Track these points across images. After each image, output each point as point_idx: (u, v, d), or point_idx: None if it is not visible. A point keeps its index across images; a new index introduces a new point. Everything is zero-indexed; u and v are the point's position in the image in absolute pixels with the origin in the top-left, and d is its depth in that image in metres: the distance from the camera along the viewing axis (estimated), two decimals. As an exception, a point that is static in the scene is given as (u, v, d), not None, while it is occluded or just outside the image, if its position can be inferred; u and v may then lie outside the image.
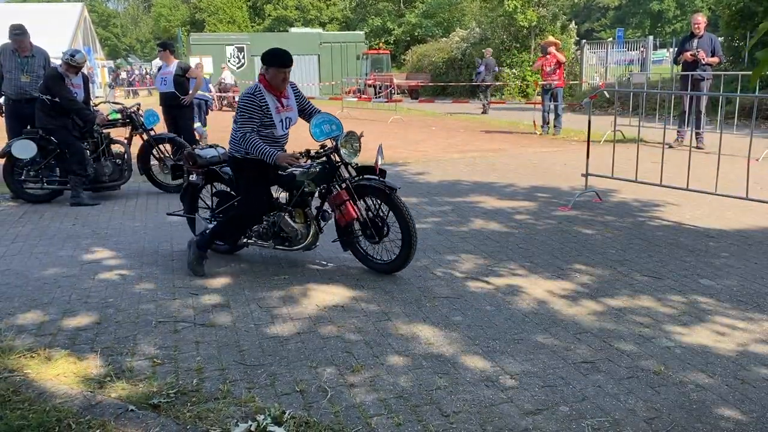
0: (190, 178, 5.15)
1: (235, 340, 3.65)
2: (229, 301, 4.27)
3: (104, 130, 7.64)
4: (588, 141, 7.34)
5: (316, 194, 4.72)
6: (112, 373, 3.24)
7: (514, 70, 25.59)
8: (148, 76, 40.86)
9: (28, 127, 7.42)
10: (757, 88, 11.57)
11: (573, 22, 28.13)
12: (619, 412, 2.85)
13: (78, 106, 7.21)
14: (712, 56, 10.38)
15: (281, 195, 4.90)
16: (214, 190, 5.23)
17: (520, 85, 25.10)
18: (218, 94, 23.40)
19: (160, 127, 8.45)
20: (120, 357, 3.45)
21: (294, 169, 4.53)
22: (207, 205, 5.32)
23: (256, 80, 4.63)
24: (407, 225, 4.46)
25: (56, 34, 21.39)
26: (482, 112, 19.32)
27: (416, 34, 39.28)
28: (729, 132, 10.25)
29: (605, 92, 14.47)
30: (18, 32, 7.65)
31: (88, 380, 3.18)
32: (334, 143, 4.55)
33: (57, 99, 7.04)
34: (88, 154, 7.42)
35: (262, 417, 2.75)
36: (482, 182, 8.31)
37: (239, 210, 4.75)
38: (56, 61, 8.11)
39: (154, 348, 3.56)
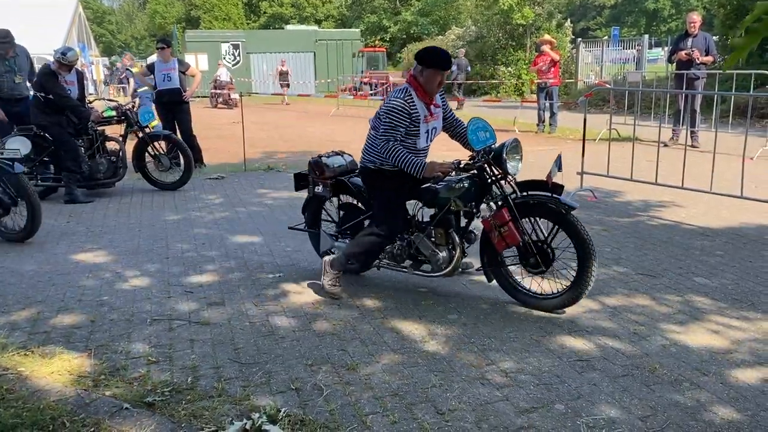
0: (316, 190, 4.57)
1: (230, 338, 3.64)
2: (224, 299, 4.26)
3: (99, 128, 7.61)
4: (583, 139, 7.35)
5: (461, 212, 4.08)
6: (106, 371, 3.23)
7: (509, 69, 25.59)
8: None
9: (15, 126, 7.39)
10: (752, 87, 11.60)
11: (569, 20, 28.13)
12: (614, 411, 2.86)
13: (72, 103, 7.18)
14: (707, 55, 10.40)
15: (418, 211, 4.29)
16: (339, 203, 4.67)
17: (516, 84, 25.10)
18: (213, 91, 23.36)
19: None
20: (114, 355, 3.44)
21: (438, 183, 3.97)
22: (331, 218, 4.78)
23: (391, 82, 4.14)
24: (587, 253, 3.72)
25: (51, 31, 21.29)
26: (459, 107, 20.24)
27: (412, 32, 39.28)
28: (724, 131, 10.28)
29: (607, 86, 14.48)
30: (5, 41, 7.59)
31: (82, 378, 3.16)
32: (489, 152, 3.91)
33: (51, 96, 7.02)
34: (83, 151, 7.40)
35: (257, 415, 2.74)
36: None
37: (374, 228, 4.14)
38: (49, 57, 8.09)
39: (148, 346, 3.55)
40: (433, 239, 4.12)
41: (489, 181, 3.94)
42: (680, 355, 3.39)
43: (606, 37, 30.07)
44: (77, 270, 4.89)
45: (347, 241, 4.44)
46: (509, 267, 4.11)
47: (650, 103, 13.89)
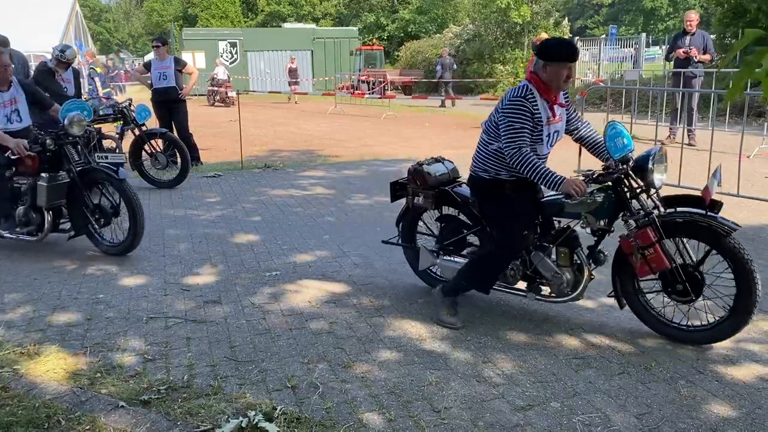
0: (415, 201, 4.10)
1: (226, 336, 3.63)
2: (220, 297, 4.26)
3: (95, 126, 7.59)
4: (580, 137, 7.34)
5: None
6: (102, 369, 3.23)
7: (507, 67, 25.60)
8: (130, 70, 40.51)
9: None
10: (749, 85, 11.61)
11: (566, 18, 28.17)
12: (610, 408, 2.86)
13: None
14: (704, 53, 10.42)
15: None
16: (438, 215, 4.24)
17: (514, 82, 25.11)
18: (210, 89, 23.31)
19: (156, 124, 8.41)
20: (110, 353, 3.43)
21: (563, 197, 3.46)
22: (431, 232, 4.33)
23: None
24: (748, 282, 3.24)
25: (48, 28, 21.23)
26: (452, 105, 21.02)
27: (410, 30, 39.24)
28: (721, 129, 10.29)
29: (602, 85, 14.49)
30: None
31: (78, 376, 3.16)
32: (627, 161, 3.46)
33: (47, 94, 6.99)
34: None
35: (254, 413, 2.74)
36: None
37: (492, 247, 3.71)
38: (47, 55, 8.06)
39: (144, 344, 3.54)
40: (555, 259, 3.66)
41: (628, 195, 3.45)
42: (676, 353, 3.40)
43: (603, 36, 30.09)
44: (73, 268, 4.88)
45: (451, 258, 4.05)
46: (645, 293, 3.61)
47: (647, 102, 13.90)
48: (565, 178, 3.33)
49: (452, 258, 4.06)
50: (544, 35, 14.66)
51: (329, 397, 2.96)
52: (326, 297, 4.24)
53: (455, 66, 23.57)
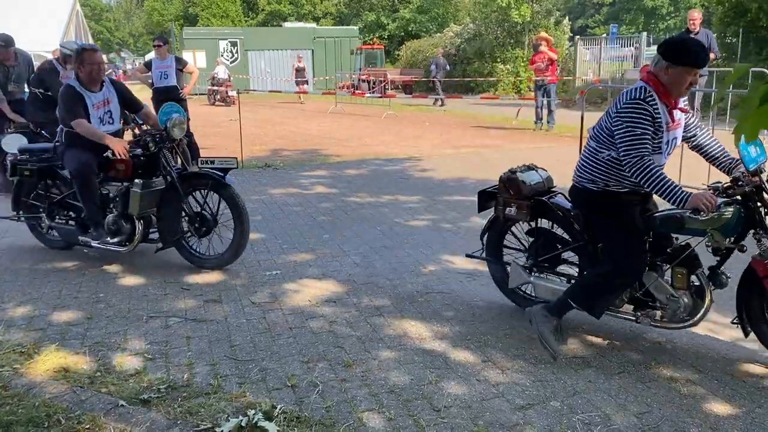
0: (507, 212, 3.73)
1: (226, 335, 3.63)
2: (220, 296, 4.26)
3: None
4: (581, 137, 7.35)
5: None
6: (102, 369, 3.23)
7: (507, 66, 25.58)
8: (129, 70, 40.40)
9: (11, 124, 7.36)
10: (749, 84, 11.59)
11: (567, 18, 28.15)
12: (610, 407, 2.86)
13: None
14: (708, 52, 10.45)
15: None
16: (529, 228, 3.87)
17: (514, 81, 25.09)
18: (211, 88, 23.30)
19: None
20: (110, 352, 3.43)
21: (688, 212, 3.09)
22: (520, 246, 3.97)
23: (634, 81, 3.32)
24: None
25: (48, 27, 21.23)
26: (439, 105, 21.12)
27: (410, 29, 39.21)
28: (721, 128, 10.28)
29: (600, 87, 14.49)
30: (3, 45, 7.52)
31: (78, 375, 3.16)
32: (760, 174, 3.10)
33: (50, 93, 6.99)
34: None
35: (253, 412, 2.74)
36: (476, 178, 8.30)
37: (606, 267, 3.32)
38: (48, 54, 8.06)
39: (144, 343, 3.54)
40: (670, 281, 3.31)
41: (762, 210, 3.12)
42: (676, 352, 3.40)
43: (604, 35, 30.06)
44: (73, 267, 4.88)
45: (546, 276, 3.74)
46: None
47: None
48: (690, 192, 3.03)
49: (547, 276, 3.75)
50: (544, 34, 14.66)
51: (329, 396, 2.96)
52: (326, 296, 4.24)
53: (448, 66, 23.94)
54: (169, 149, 4.74)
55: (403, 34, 39.55)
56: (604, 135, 3.26)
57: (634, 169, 3.08)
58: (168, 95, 9.10)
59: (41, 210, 5.19)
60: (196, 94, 20.87)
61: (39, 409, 2.81)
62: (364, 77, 27.11)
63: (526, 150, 10.84)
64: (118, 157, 4.63)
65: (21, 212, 5.29)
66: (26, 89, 7.92)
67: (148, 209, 4.78)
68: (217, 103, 22.79)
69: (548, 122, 13.23)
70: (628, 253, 3.25)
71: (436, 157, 10.10)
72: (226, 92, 22.31)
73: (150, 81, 9.35)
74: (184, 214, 4.75)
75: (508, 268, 3.89)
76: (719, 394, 2.97)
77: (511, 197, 3.70)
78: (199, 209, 4.74)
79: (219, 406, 2.87)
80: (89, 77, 4.81)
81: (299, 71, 24.68)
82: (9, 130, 7.23)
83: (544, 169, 3.89)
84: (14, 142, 7.06)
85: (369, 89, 24.33)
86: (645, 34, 23.49)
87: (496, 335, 3.62)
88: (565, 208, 3.58)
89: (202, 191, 4.77)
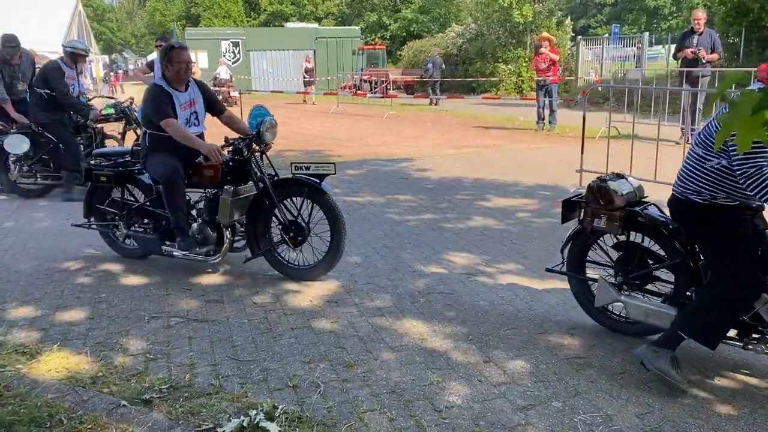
0: (596, 223, 3.42)
1: (228, 336, 3.64)
2: (222, 296, 4.26)
3: (98, 125, 7.61)
4: (583, 137, 7.34)
5: None
6: (104, 369, 3.24)
7: (509, 66, 25.58)
8: (132, 71, 40.40)
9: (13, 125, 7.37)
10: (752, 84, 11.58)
11: (569, 18, 28.14)
12: (612, 408, 2.86)
13: (72, 100, 7.16)
14: (712, 52, 10.41)
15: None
16: (615, 241, 3.55)
17: (516, 81, 25.08)
18: (213, 88, 23.33)
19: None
20: (112, 352, 3.44)
21: None
22: (608, 261, 3.63)
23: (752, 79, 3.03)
24: None
25: (49, 27, 21.27)
26: (435, 104, 21.39)
27: (412, 29, 39.25)
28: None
29: (599, 88, 14.48)
30: (13, 45, 7.52)
31: (80, 375, 3.16)
32: None
33: (53, 93, 7.00)
34: (82, 149, 7.39)
35: (255, 412, 2.75)
36: (477, 178, 8.31)
37: (719, 289, 3.00)
38: (51, 55, 8.06)
39: (146, 343, 3.55)
40: None
41: None
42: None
43: (606, 35, 30.04)
44: (75, 267, 4.88)
45: (639, 295, 3.45)
46: None
47: (650, 101, 13.88)
48: None
49: (640, 295, 3.44)
50: (547, 35, 14.65)
51: (330, 396, 2.96)
52: (328, 296, 4.24)
53: (443, 66, 24.17)
54: (260, 154, 4.55)
55: (404, 34, 39.60)
56: (713, 142, 2.92)
57: (750, 180, 2.78)
58: None
59: (117, 217, 4.93)
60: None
61: (41, 409, 2.81)
62: (366, 77, 27.13)
63: (527, 150, 10.84)
64: (210, 163, 4.41)
65: (93, 219, 5.06)
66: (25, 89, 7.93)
67: (237, 217, 4.56)
68: (219, 103, 22.78)
69: (550, 122, 13.22)
70: (743, 268, 2.93)
71: (437, 157, 10.10)
72: (228, 93, 22.33)
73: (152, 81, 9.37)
74: (276, 222, 4.51)
75: (592, 286, 3.62)
76: (721, 395, 2.96)
77: (600, 207, 3.39)
78: (293, 217, 4.50)
79: (221, 406, 2.87)
80: (177, 76, 4.55)
81: (308, 71, 24.60)
82: (12, 130, 7.25)
83: (635, 179, 3.63)
84: (17, 143, 7.09)
85: (371, 90, 24.35)
86: (647, 34, 23.50)
87: (497, 335, 3.61)
88: (661, 220, 3.34)
89: (295, 199, 4.53)
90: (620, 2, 53.47)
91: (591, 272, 3.71)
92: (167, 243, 4.69)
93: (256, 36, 32.42)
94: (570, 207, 3.59)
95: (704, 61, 10.31)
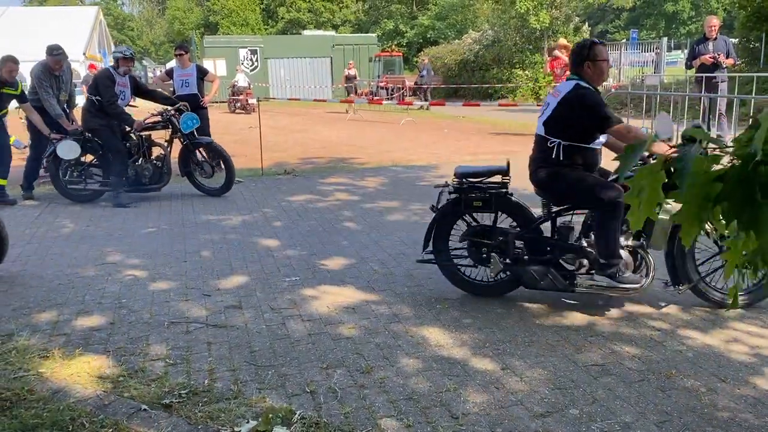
0: None
1: (246, 341, 3.67)
2: (240, 302, 4.30)
3: (144, 133, 7.72)
4: (600, 143, 7.30)
5: None
6: (125, 373, 3.28)
7: (526, 72, 25.50)
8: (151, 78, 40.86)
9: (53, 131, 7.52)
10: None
11: (586, 23, 28.01)
12: (630, 416, 2.84)
13: (118, 110, 7.27)
14: (727, 58, 10.38)
15: None
16: None
17: (533, 87, 24.99)
18: (231, 96, 23.51)
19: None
20: (133, 357, 3.48)
21: None
22: None
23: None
24: None
25: (72, 38, 21.60)
26: (426, 109, 21.64)
27: (429, 36, 39.32)
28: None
29: (615, 91, 14.39)
30: (59, 51, 7.67)
31: (101, 380, 3.21)
32: None
33: (101, 99, 7.15)
34: (129, 156, 7.52)
35: (271, 417, 2.77)
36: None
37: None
38: (74, 64, 8.21)
39: (166, 348, 3.59)
40: None
41: None
42: (697, 360, 3.37)
43: (624, 40, 29.88)
44: (97, 273, 4.95)
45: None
46: None
47: (669, 107, 13.77)
48: None
49: None
50: (564, 41, 14.60)
51: (347, 402, 2.98)
52: (345, 303, 4.26)
53: (432, 73, 26.34)
54: None
55: (421, 40, 39.68)
56: None
57: None
58: (189, 103, 9.22)
59: (478, 253, 4.14)
60: (216, 102, 21.08)
61: (63, 412, 2.86)
62: (382, 84, 27.19)
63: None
64: None
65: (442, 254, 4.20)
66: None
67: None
68: (237, 110, 22.98)
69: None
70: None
71: (454, 163, 10.08)
72: (246, 100, 22.49)
73: (171, 89, 9.48)
74: None
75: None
76: (741, 404, 2.93)
77: None
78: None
79: (239, 411, 2.90)
80: (600, 76, 4.01)
81: (349, 79, 24.49)
82: (65, 137, 7.38)
83: None
84: (69, 149, 7.21)
85: (387, 96, 24.40)
86: (665, 39, 23.33)
87: (514, 343, 3.61)
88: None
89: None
90: (638, 7, 53.12)
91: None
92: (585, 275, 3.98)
93: (274, 44, 32.63)
94: None
95: (723, 66, 10.26)
